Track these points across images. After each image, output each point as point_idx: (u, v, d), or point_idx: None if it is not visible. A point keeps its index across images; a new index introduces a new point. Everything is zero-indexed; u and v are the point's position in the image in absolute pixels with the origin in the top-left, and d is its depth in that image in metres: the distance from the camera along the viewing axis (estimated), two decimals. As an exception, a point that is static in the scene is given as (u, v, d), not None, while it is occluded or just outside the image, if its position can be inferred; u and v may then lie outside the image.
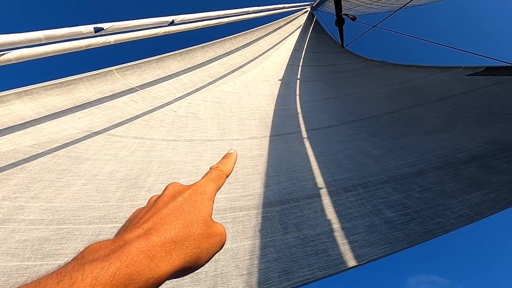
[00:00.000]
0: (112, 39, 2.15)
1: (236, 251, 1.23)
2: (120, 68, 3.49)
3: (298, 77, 5.70)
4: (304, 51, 7.96)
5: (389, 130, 2.54)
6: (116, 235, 0.34)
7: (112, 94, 3.07)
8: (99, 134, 2.29)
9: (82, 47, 1.95)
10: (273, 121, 3.19)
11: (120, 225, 1.19)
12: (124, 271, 0.24)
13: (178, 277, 0.31)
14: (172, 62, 4.36)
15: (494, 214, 1.19)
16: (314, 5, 11.18)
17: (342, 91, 4.66)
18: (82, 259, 0.25)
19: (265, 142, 2.54)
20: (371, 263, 1.11)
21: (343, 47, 8.97)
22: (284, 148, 2.40)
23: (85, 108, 2.66)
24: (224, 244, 0.38)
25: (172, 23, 2.73)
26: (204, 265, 0.34)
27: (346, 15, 8.77)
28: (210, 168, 0.46)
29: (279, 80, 5.21)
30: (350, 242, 1.20)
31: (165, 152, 2.21)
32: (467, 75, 3.79)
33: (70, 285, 0.22)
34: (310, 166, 2.03)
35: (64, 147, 2.00)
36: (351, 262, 1.10)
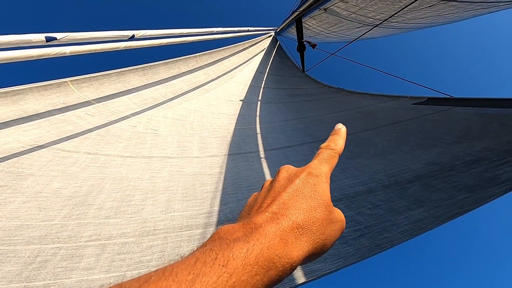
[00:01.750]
0: (67, 50, 2.07)
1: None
2: (76, 79, 3.33)
3: (260, 98, 5.87)
4: (266, 73, 8.25)
5: (344, 151, 2.70)
6: (239, 220, 0.34)
7: (65, 106, 2.90)
8: (46, 148, 2.14)
9: (33, 56, 1.84)
10: (234, 140, 3.22)
11: (65, 245, 1.12)
12: (266, 254, 0.25)
13: (305, 264, 0.30)
14: (133, 77, 4.26)
15: (436, 227, 1.31)
16: (278, 30, 11.77)
17: (302, 113, 4.87)
18: (223, 239, 0.26)
19: (226, 160, 2.55)
20: (324, 279, 1.16)
21: (303, 72, 9.46)
22: (245, 167, 2.43)
23: (33, 120, 2.48)
24: (343, 231, 0.37)
25: (132, 38, 2.70)
26: (327, 251, 0.33)
27: (307, 42, 9.34)
28: (320, 148, 0.43)
29: (241, 100, 5.32)
30: None
31: (120, 168, 2.12)
32: (412, 104, 4.18)
33: (225, 263, 0.23)
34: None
35: (4, 162, 1.83)
36: (306, 276, 1.13)
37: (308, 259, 0.30)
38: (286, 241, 0.27)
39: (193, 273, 0.22)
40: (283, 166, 0.40)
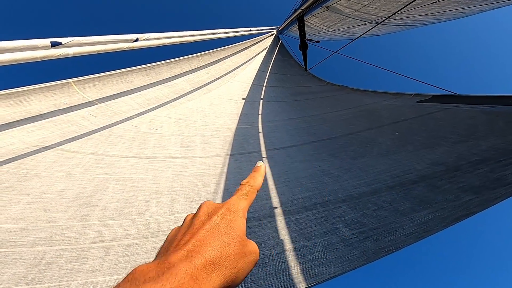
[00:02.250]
0: (71, 51, 2.08)
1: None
2: (79, 80, 3.34)
3: (262, 97, 5.86)
4: (269, 72, 8.24)
5: (347, 151, 2.69)
6: (157, 256, 0.35)
7: (68, 107, 2.91)
8: (51, 149, 2.15)
9: (36, 58, 1.85)
10: (237, 139, 3.22)
11: (70, 246, 1.12)
12: None
13: None
14: (136, 77, 4.26)
15: (440, 231, 1.30)
16: (280, 29, 11.73)
17: (305, 112, 4.86)
18: (134, 281, 0.26)
19: (229, 160, 2.55)
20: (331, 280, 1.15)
21: (306, 70, 9.43)
22: (248, 167, 2.43)
23: (37, 121, 2.49)
24: (257, 262, 0.38)
25: (136, 41, 2.70)
26: (239, 284, 0.34)
27: (310, 40, 9.30)
28: (240, 184, 0.46)
29: (243, 99, 5.31)
30: (309, 261, 1.23)
31: (124, 169, 2.13)
32: (416, 102, 4.15)
33: None
34: (272, 184, 2.07)
35: (9, 163, 1.84)
36: (310, 280, 1.13)
37: None
38: (197, 278, 0.28)
39: None
40: (204, 202, 0.42)
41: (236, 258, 0.33)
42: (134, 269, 0.29)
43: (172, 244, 0.35)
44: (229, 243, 0.34)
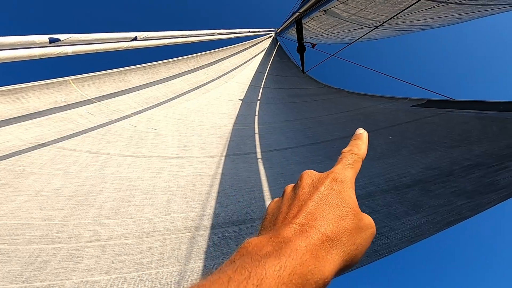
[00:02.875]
0: (70, 49, 2.07)
1: (190, 273, 1.21)
2: (78, 78, 3.33)
3: (260, 98, 5.87)
4: (266, 73, 8.26)
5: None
6: (262, 231, 0.33)
7: (66, 105, 2.90)
8: (48, 146, 2.14)
9: (35, 55, 1.85)
10: (234, 140, 3.23)
11: (66, 245, 1.12)
12: (299, 271, 0.23)
13: (336, 277, 0.28)
14: (134, 76, 4.26)
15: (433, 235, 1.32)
16: (278, 31, 11.76)
17: (302, 114, 4.88)
18: (253, 255, 0.25)
19: (226, 161, 2.56)
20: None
21: (303, 72, 9.46)
22: (244, 168, 2.44)
23: (35, 118, 2.48)
24: (374, 237, 0.34)
25: (135, 39, 2.70)
26: (358, 262, 0.31)
27: (308, 43, 9.34)
28: (342, 152, 0.41)
29: (240, 100, 5.33)
30: None
31: (121, 168, 2.13)
32: (411, 106, 4.18)
33: (259, 282, 0.21)
34: (268, 186, 2.09)
35: (5, 160, 1.83)
36: None
37: (340, 272, 0.29)
38: (317, 255, 0.26)
39: None
40: (305, 171, 0.39)
41: (353, 233, 0.30)
42: (245, 243, 0.27)
43: (277, 218, 0.32)
44: (343, 216, 0.31)
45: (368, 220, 0.34)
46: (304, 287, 0.23)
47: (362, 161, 0.41)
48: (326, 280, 0.25)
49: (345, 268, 0.29)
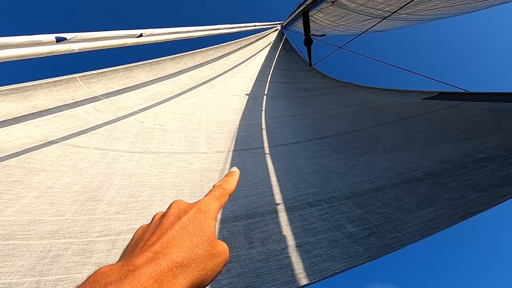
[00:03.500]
0: (76, 47, 2.08)
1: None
2: (84, 75, 3.36)
3: (267, 93, 5.84)
4: (273, 67, 8.20)
5: (352, 147, 2.67)
6: (122, 257, 0.34)
7: (73, 102, 2.93)
8: (57, 143, 2.17)
9: (42, 53, 1.86)
10: (241, 135, 3.22)
11: (76, 240, 1.13)
12: None
13: None
14: (140, 72, 4.27)
15: (445, 229, 1.29)
16: (284, 24, 11.64)
17: (309, 108, 4.84)
18: (96, 284, 0.26)
19: (233, 156, 2.56)
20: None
21: (310, 65, 9.37)
22: (252, 163, 2.43)
23: (43, 116, 2.51)
24: (227, 262, 0.37)
25: (140, 37, 2.70)
26: (208, 285, 0.34)
27: (314, 35, 9.21)
28: (213, 186, 0.46)
29: (247, 94, 5.31)
30: (313, 257, 1.23)
31: (129, 164, 2.14)
32: (422, 99, 4.11)
33: None
34: (276, 181, 2.07)
35: (16, 157, 1.86)
36: (314, 276, 1.13)
37: None
38: (162, 281, 0.27)
39: None
40: (174, 201, 0.41)
41: (204, 259, 0.33)
42: (96, 271, 0.28)
43: (138, 244, 0.34)
44: (197, 244, 0.33)
45: (222, 247, 0.37)
46: None
47: (229, 196, 0.46)
48: None
49: None
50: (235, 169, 0.52)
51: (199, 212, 0.38)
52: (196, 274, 0.31)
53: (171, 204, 0.41)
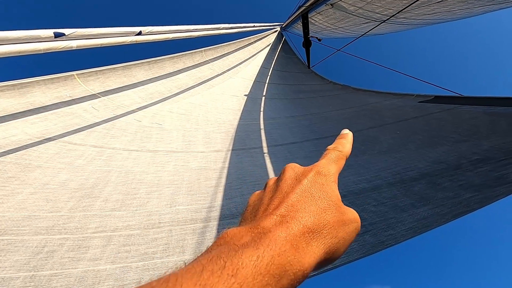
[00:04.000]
0: (74, 44, 2.08)
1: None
2: (82, 73, 3.35)
3: (265, 94, 5.85)
4: (271, 69, 8.22)
5: None
6: (242, 222, 0.32)
7: (71, 99, 2.92)
8: (53, 141, 2.16)
9: (40, 50, 1.86)
10: (239, 135, 3.23)
11: (72, 236, 1.13)
12: (278, 261, 0.23)
13: (316, 270, 0.28)
14: (139, 71, 4.27)
15: (439, 227, 1.30)
16: (283, 25, 11.69)
17: (307, 110, 4.85)
18: (232, 245, 0.24)
19: (230, 155, 2.56)
20: (328, 274, 1.16)
21: (309, 67, 9.40)
22: (249, 162, 2.44)
23: (40, 112, 2.50)
24: (359, 232, 0.34)
25: (139, 34, 2.70)
26: (341, 255, 0.31)
27: (313, 37, 9.26)
28: (327, 149, 0.42)
29: (245, 95, 5.31)
30: None
31: (126, 162, 2.14)
32: (418, 102, 4.14)
33: (234, 272, 0.21)
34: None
35: (12, 154, 1.86)
36: None
37: (320, 265, 0.28)
38: (297, 246, 0.25)
39: (200, 284, 0.20)
40: (288, 165, 0.38)
41: (335, 226, 0.30)
42: (224, 233, 0.27)
43: (259, 209, 0.32)
44: (325, 209, 0.30)
45: (352, 214, 0.34)
46: (282, 278, 0.23)
47: (346, 159, 0.41)
48: (305, 271, 0.25)
49: (325, 262, 0.29)
50: (347, 130, 0.47)
51: (319, 175, 0.35)
52: (329, 242, 0.28)
53: (285, 167, 0.38)
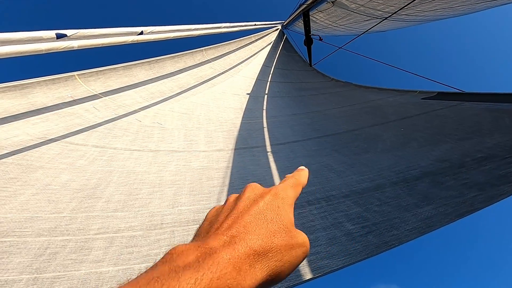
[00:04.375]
0: (75, 44, 2.07)
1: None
2: (83, 73, 3.35)
3: (267, 92, 5.84)
4: (273, 67, 8.20)
5: (351, 146, 2.67)
6: (196, 237, 0.33)
7: (72, 100, 2.92)
8: (55, 141, 2.16)
9: (41, 50, 1.85)
10: (241, 134, 3.22)
11: (74, 237, 1.12)
12: (216, 284, 0.23)
13: None
14: (139, 71, 4.26)
15: (444, 226, 1.29)
16: (285, 23, 11.65)
17: (309, 108, 4.84)
18: (173, 263, 0.24)
19: (232, 155, 2.55)
20: (334, 274, 1.16)
21: (311, 65, 9.37)
22: (251, 161, 2.43)
23: (41, 113, 2.50)
24: (307, 255, 0.34)
25: (141, 34, 2.69)
26: (285, 278, 0.31)
27: (314, 35, 9.22)
28: (285, 177, 0.43)
29: (247, 94, 5.30)
30: (312, 254, 1.23)
31: (128, 162, 2.14)
32: (421, 99, 4.12)
33: None
34: (276, 179, 2.08)
35: (13, 154, 1.86)
36: (313, 272, 1.13)
37: (262, 287, 0.28)
38: (240, 269, 0.26)
39: None
40: (250, 184, 0.39)
41: (281, 250, 0.30)
42: (172, 249, 0.27)
43: (213, 225, 0.33)
44: (275, 232, 0.31)
45: (301, 238, 0.34)
46: None
47: (302, 189, 0.43)
48: None
49: (267, 284, 0.29)
50: (304, 167, 0.49)
51: (277, 198, 0.36)
52: (273, 265, 0.29)
53: (246, 187, 0.39)
